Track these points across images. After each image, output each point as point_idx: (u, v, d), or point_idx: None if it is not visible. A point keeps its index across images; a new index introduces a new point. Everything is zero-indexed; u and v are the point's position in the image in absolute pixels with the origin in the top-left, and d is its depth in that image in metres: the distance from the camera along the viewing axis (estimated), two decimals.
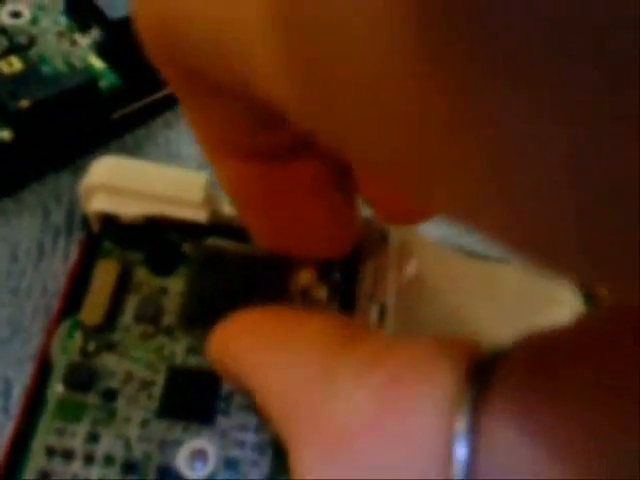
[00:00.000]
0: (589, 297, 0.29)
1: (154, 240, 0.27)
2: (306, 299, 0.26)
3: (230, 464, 0.24)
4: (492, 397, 0.14)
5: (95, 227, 0.27)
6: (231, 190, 0.20)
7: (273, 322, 0.19)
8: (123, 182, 0.26)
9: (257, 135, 0.18)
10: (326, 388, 0.16)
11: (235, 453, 0.24)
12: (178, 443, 0.24)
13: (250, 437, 0.24)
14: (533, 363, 0.14)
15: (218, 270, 0.26)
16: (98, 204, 0.26)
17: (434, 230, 0.33)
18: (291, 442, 0.16)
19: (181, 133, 0.35)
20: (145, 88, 0.34)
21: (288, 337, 0.18)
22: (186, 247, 0.27)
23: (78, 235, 0.30)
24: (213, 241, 0.26)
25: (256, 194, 0.20)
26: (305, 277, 0.25)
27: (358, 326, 0.18)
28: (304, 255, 0.22)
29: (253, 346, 0.18)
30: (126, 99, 0.34)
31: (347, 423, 0.15)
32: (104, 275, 0.26)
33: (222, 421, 0.24)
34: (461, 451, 0.13)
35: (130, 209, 0.26)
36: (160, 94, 0.35)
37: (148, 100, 0.35)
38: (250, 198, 0.20)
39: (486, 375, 0.14)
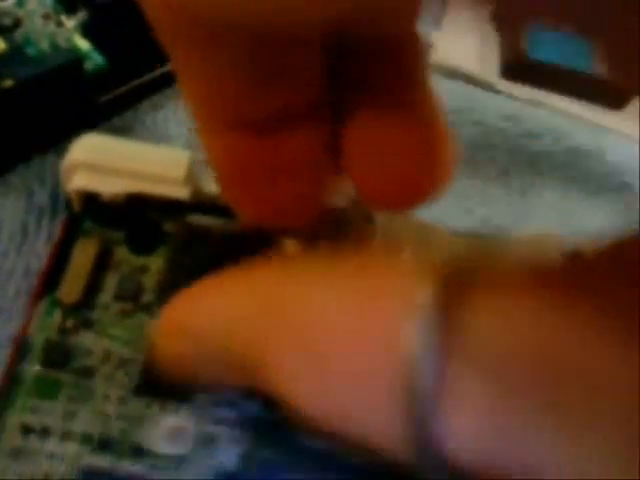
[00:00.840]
0: None
1: (135, 218, 0.27)
2: None
3: (208, 441, 0.24)
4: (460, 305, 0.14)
5: (76, 206, 0.27)
6: (218, 163, 0.20)
7: (216, 280, 0.19)
8: (104, 160, 0.26)
9: (251, 97, 0.17)
10: (281, 299, 0.16)
11: (213, 429, 0.24)
12: (156, 420, 0.24)
13: (228, 413, 0.24)
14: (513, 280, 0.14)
15: (199, 247, 0.26)
16: (78, 182, 0.26)
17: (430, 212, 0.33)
18: (264, 361, 0.16)
19: (169, 115, 0.35)
20: (132, 70, 0.34)
21: (228, 285, 0.18)
22: (167, 225, 0.27)
23: (62, 216, 0.30)
24: (195, 218, 0.26)
25: (243, 167, 0.19)
26: (291, 250, 0.25)
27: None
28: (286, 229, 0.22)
29: (210, 306, 0.18)
30: (113, 81, 0.34)
31: (317, 318, 0.15)
32: (83, 253, 0.26)
33: (200, 398, 0.24)
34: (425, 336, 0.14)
35: (111, 187, 0.26)
36: (148, 76, 0.35)
37: (135, 82, 0.34)
38: (236, 171, 0.20)
39: (457, 285, 0.14)
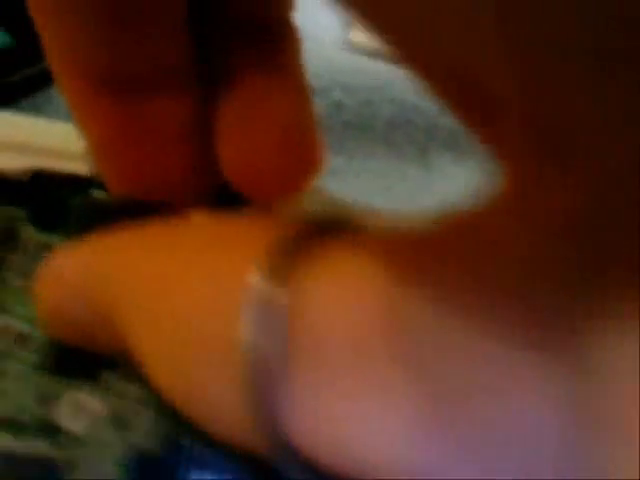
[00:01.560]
0: None
1: (39, 195, 0.26)
2: None
3: (114, 417, 0.24)
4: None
5: None
6: (84, 126, 0.20)
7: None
8: (4, 136, 0.26)
9: (112, 48, 0.17)
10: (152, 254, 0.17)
11: (123, 407, 0.24)
12: (59, 396, 0.24)
13: (134, 389, 0.24)
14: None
15: (102, 223, 0.26)
16: None
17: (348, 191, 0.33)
18: (120, 319, 0.17)
19: None
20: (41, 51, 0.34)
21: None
22: (72, 201, 0.27)
23: None
24: (99, 193, 0.26)
25: (110, 136, 0.19)
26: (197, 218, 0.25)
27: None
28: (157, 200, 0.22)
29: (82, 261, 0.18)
30: (21, 61, 0.33)
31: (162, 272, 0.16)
32: None
33: (105, 373, 0.24)
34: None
35: (12, 163, 0.26)
36: None
37: (44, 64, 0.34)
38: (104, 141, 0.20)
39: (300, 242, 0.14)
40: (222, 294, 0.14)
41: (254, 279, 0.14)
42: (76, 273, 0.18)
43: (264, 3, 0.19)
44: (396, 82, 0.41)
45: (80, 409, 0.24)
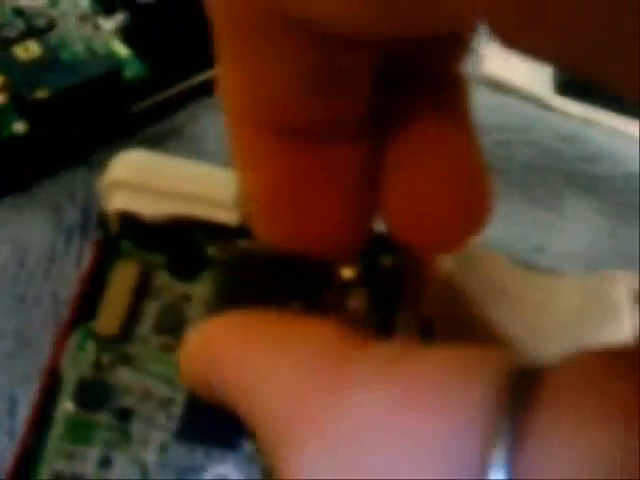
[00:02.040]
0: None
1: (177, 241, 0.25)
2: (342, 310, 0.24)
3: None
4: (534, 414, 0.12)
5: (114, 227, 0.25)
6: (250, 170, 0.19)
7: (262, 326, 0.17)
8: (147, 179, 0.25)
9: (299, 101, 0.17)
10: (335, 387, 0.14)
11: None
12: (200, 470, 0.22)
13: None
14: (581, 382, 0.13)
15: (249, 275, 0.24)
16: (119, 202, 0.25)
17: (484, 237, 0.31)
18: (287, 450, 0.14)
19: (208, 128, 0.33)
20: (169, 77, 0.32)
21: (281, 342, 0.16)
22: (212, 250, 0.25)
23: (93, 237, 0.28)
24: (243, 242, 0.24)
25: (278, 181, 0.18)
26: (346, 274, 0.23)
27: (364, 335, 0.16)
28: (312, 255, 0.20)
29: (244, 351, 0.17)
30: (151, 89, 0.32)
31: (362, 417, 0.13)
32: (121, 279, 0.24)
33: (248, 445, 0.22)
34: (497, 476, 0.12)
35: (153, 208, 0.24)
36: (186, 84, 0.33)
37: (174, 91, 0.33)
38: (269, 186, 0.19)
39: (525, 391, 0.13)
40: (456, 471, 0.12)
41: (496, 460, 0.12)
42: (232, 364, 0.17)
43: (441, 56, 0.19)
44: (534, 123, 0.39)
45: None
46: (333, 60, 0.16)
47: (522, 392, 0.13)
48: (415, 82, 0.18)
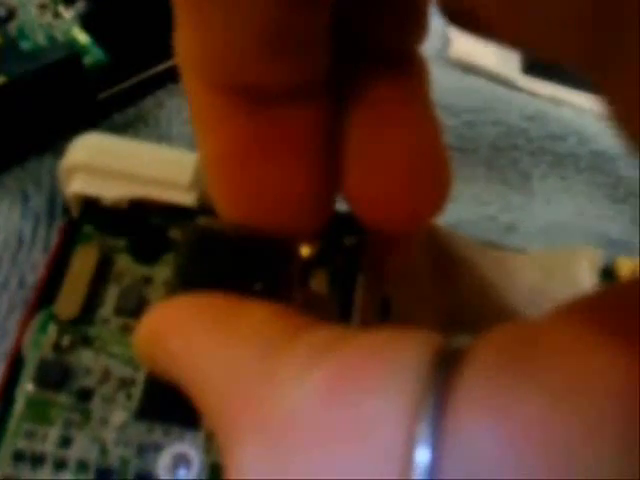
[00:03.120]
0: None
1: (138, 224, 0.25)
2: (305, 289, 0.24)
3: (215, 471, 0.22)
4: (457, 390, 0.13)
5: (75, 211, 0.26)
6: (208, 139, 0.18)
7: (210, 310, 0.17)
8: (105, 162, 0.25)
9: (257, 58, 0.16)
10: (269, 378, 0.14)
11: (221, 459, 0.23)
12: (158, 447, 0.23)
13: None
14: (504, 353, 0.13)
15: (209, 256, 0.24)
16: (77, 186, 0.25)
17: (450, 217, 0.32)
18: (227, 440, 0.15)
19: (172, 113, 0.33)
20: (134, 65, 0.33)
21: (227, 327, 0.16)
22: (172, 232, 0.25)
23: (60, 223, 0.29)
24: (205, 220, 0.25)
25: (235, 145, 0.18)
26: (305, 252, 0.23)
27: (307, 318, 0.16)
28: (278, 230, 0.20)
29: (188, 336, 0.17)
30: (113, 77, 0.32)
31: (293, 413, 0.14)
32: (82, 263, 0.25)
33: (207, 424, 0.23)
34: (423, 454, 0.12)
35: (113, 191, 0.25)
36: (150, 71, 0.33)
37: (137, 78, 0.33)
38: (229, 153, 0.18)
39: (451, 366, 0.13)
40: (380, 452, 0.13)
41: (420, 435, 0.12)
42: (181, 348, 0.17)
43: (398, 34, 0.19)
44: (501, 103, 0.39)
45: (180, 461, 0.22)
46: (287, 15, 0.16)
47: (446, 368, 0.13)
48: (374, 60, 0.18)
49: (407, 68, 0.19)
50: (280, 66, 0.17)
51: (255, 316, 0.17)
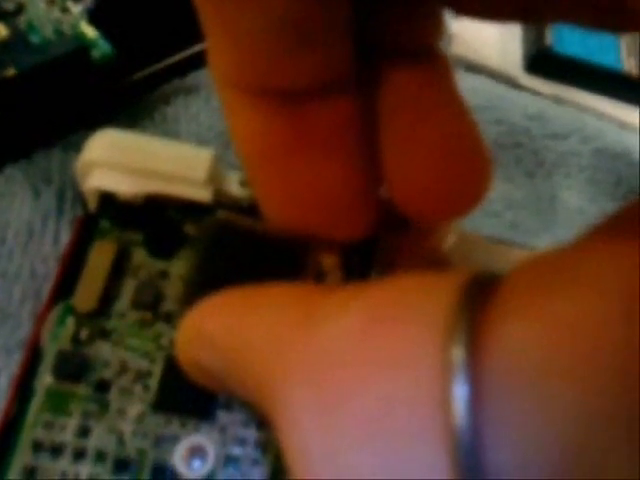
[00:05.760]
0: None
1: (154, 220, 0.26)
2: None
3: (230, 462, 0.23)
4: (492, 307, 0.13)
5: (92, 206, 0.26)
6: (246, 145, 0.19)
7: (242, 297, 0.18)
8: (123, 158, 0.26)
9: (283, 61, 0.17)
10: (307, 328, 0.15)
11: (236, 451, 0.24)
12: (175, 439, 0.23)
13: (252, 434, 0.24)
14: (532, 283, 0.13)
15: (227, 249, 0.25)
16: (96, 181, 0.26)
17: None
18: (276, 401, 0.15)
19: (179, 109, 0.34)
20: (141, 59, 0.34)
21: (259, 301, 0.17)
22: (188, 227, 0.26)
23: (69, 216, 0.30)
24: (223, 213, 0.25)
25: (272, 146, 0.19)
26: (327, 262, 0.24)
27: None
28: (319, 233, 0.21)
29: (223, 316, 0.18)
30: (120, 71, 0.33)
31: (332, 352, 0.14)
32: (100, 257, 0.25)
33: (222, 416, 0.24)
34: (461, 390, 0.13)
35: (130, 187, 0.26)
36: (157, 66, 0.34)
37: (144, 72, 0.34)
38: (265, 152, 0.19)
39: (485, 289, 0.13)
40: (419, 375, 0.14)
41: (456, 355, 0.13)
42: (222, 335, 0.18)
43: (414, 32, 0.19)
44: (503, 102, 0.40)
45: (195, 452, 0.23)
46: (307, 9, 0.16)
47: (480, 291, 0.13)
48: (399, 54, 0.19)
49: (432, 62, 0.19)
50: (306, 62, 0.17)
51: (283, 288, 0.17)
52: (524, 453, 0.12)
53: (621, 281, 0.13)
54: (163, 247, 0.26)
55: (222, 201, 0.26)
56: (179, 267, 0.26)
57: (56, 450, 0.23)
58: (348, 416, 0.14)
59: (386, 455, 0.13)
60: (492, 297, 0.13)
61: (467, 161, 0.19)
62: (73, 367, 0.24)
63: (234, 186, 0.26)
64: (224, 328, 0.18)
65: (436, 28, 0.19)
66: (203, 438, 0.23)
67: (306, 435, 0.14)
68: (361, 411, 0.14)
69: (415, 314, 0.14)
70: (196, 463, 0.23)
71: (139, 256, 0.26)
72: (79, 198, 0.29)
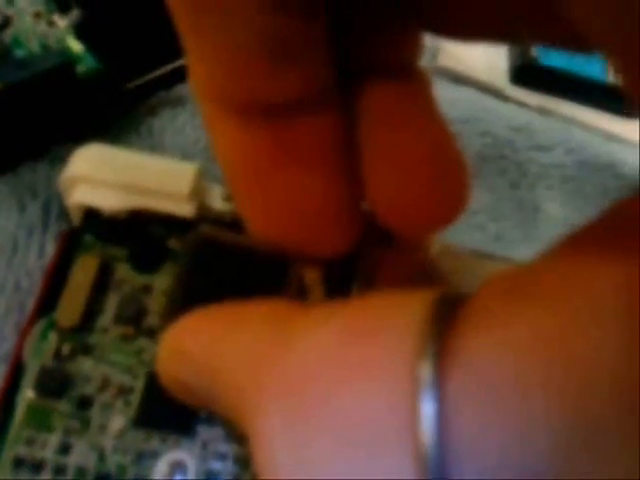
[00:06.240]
0: None
1: (138, 234, 0.26)
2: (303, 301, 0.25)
3: (211, 477, 0.24)
4: (459, 321, 0.13)
5: (76, 220, 0.27)
6: (228, 160, 0.19)
7: (217, 310, 0.18)
8: (106, 173, 0.26)
9: (264, 78, 0.17)
10: (283, 345, 0.15)
11: (216, 466, 0.24)
12: (156, 454, 0.24)
13: (232, 449, 0.24)
14: (499, 298, 0.13)
15: (210, 263, 0.25)
16: (80, 196, 0.26)
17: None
18: (251, 418, 0.15)
19: (165, 121, 0.34)
20: (127, 72, 0.34)
21: (236, 319, 0.17)
22: (172, 242, 0.26)
23: (54, 230, 0.30)
24: (208, 229, 0.25)
25: (253, 161, 0.19)
26: (309, 277, 0.24)
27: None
28: (302, 249, 0.21)
29: (200, 334, 0.18)
30: (106, 84, 0.33)
31: (307, 367, 0.15)
32: (83, 272, 0.26)
33: (203, 431, 0.24)
34: (428, 407, 0.13)
35: (113, 202, 0.26)
36: (143, 79, 0.34)
37: (130, 85, 0.34)
38: (246, 166, 0.19)
39: (449, 312, 0.14)
40: (389, 389, 0.14)
41: (424, 372, 0.13)
42: (201, 352, 0.18)
43: (398, 48, 0.19)
44: (487, 114, 0.40)
45: (176, 468, 0.23)
46: (284, 25, 0.16)
47: (449, 311, 0.14)
48: (378, 71, 0.19)
49: (411, 78, 0.20)
50: (285, 78, 0.18)
51: (261, 306, 0.17)
52: (492, 468, 0.13)
53: (587, 293, 0.13)
54: (147, 262, 0.26)
55: (206, 215, 0.26)
56: (162, 282, 0.26)
57: (37, 466, 0.23)
58: (318, 429, 0.14)
59: (355, 468, 0.13)
60: (461, 313, 0.14)
61: (446, 173, 0.19)
62: (55, 383, 0.24)
63: (217, 201, 0.26)
64: (202, 346, 0.18)
65: (415, 46, 0.20)
66: (184, 453, 0.24)
67: (276, 448, 0.14)
68: (331, 424, 0.14)
69: (387, 331, 0.14)
70: (177, 478, 0.23)
71: (122, 271, 0.26)
72: (64, 212, 0.29)
